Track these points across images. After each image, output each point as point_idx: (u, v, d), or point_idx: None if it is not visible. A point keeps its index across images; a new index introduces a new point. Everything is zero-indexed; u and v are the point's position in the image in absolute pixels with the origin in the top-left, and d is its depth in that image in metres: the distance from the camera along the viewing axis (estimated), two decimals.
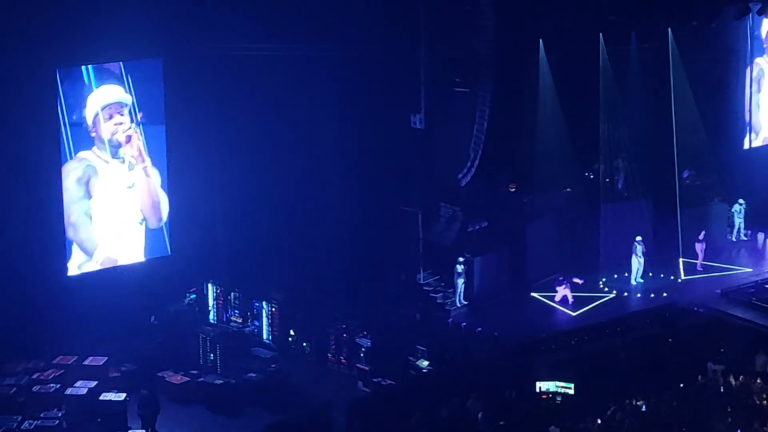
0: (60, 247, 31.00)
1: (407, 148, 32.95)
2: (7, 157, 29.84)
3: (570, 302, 32.61)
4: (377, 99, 32.55)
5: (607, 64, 34.22)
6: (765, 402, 26.94)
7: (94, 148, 31.34)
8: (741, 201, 37.16)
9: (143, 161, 32.09)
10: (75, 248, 31.29)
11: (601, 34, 34.01)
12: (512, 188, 34.05)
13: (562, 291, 32.77)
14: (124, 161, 31.80)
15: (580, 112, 34.14)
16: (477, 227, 33.40)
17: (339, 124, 32.79)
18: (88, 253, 31.47)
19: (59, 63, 30.15)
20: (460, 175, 33.20)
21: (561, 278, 32.92)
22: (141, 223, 32.36)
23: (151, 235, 32.65)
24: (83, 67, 30.79)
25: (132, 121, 31.76)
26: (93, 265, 31.57)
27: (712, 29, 35.64)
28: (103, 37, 29.90)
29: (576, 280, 33.23)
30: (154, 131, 32.28)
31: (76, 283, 31.17)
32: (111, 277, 31.70)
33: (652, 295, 33.09)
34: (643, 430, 25.98)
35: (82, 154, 31.11)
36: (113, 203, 31.74)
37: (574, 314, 32.20)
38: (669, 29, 35.29)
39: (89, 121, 31.09)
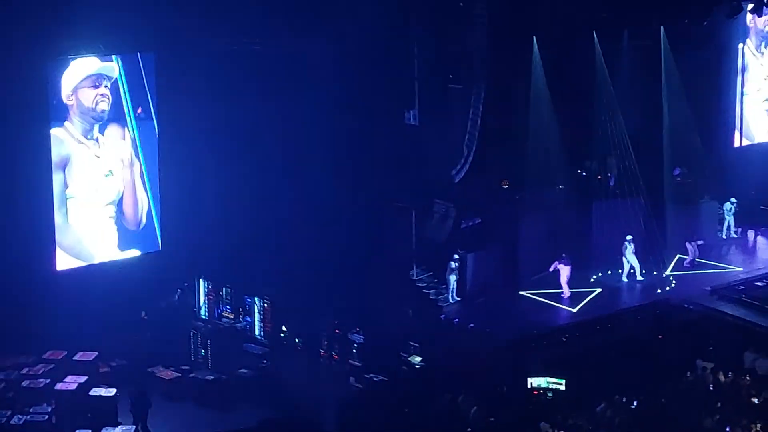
0: (50, 241, 30.90)
1: (401, 144, 32.95)
2: None
3: (567, 296, 32.59)
4: (371, 95, 32.52)
5: (600, 62, 34.25)
6: (754, 399, 27.03)
7: (67, 123, 30.64)
8: (733, 200, 37.24)
9: (130, 160, 31.83)
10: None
11: (594, 31, 34.05)
12: (505, 185, 34.06)
13: (563, 269, 32.72)
14: (98, 142, 31.26)
15: (573, 109, 34.16)
16: (470, 224, 33.41)
17: (332, 120, 32.76)
18: (65, 249, 31.22)
19: (51, 56, 30.05)
20: (454, 172, 33.22)
21: (564, 255, 32.88)
22: (112, 218, 31.95)
23: (142, 230, 32.57)
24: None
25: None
26: (73, 262, 31.44)
27: (704, 27, 35.70)
28: (94, 30, 29.84)
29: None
30: (146, 126, 32.23)
31: (66, 277, 31.08)
32: (102, 271, 31.62)
33: (642, 292, 33.19)
34: (633, 426, 26.04)
35: (54, 131, 30.46)
36: (88, 192, 31.28)
37: (574, 310, 32.19)
38: (661, 27, 35.36)
39: (68, 89, 30.41)
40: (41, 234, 30.70)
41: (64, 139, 30.70)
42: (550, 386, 27.74)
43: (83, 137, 31.04)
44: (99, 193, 31.57)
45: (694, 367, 28.74)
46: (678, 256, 34.97)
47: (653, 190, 35.55)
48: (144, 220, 32.47)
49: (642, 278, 34.13)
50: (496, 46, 32.05)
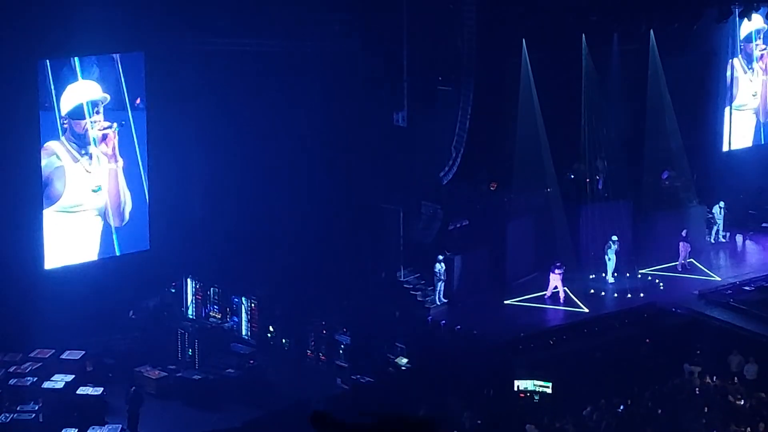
0: (38, 240, 30.85)
1: (389, 145, 32.96)
2: None
3: (562, 299, 32.62)
4: (360, 96, 32.54)
5: (589, 65, 34.27)
6: (740, 402, 27.09)
7: (63, 139, 30.88)
8: (721, 204, 37.29)
9: (116, 161, 31.84)
10: None
11: (583, 34, 34.07)
12: (493, 187, 34.05)
13: (555, 280, 32.74)
14: (91, 158, 31.38)
15: (562, 112, 34.18)
16: (458, 225, 33.42)
17: (321, 121, 32.77)
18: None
19: (41, 55, 30.02)
20: (442, 174, 33.22)
21: (558, 264, 32.90)
22: (98, 216, 31.92)
23: (131, 229, 32.55)
24: (75, 58, 30.66)
25: (107, 119, 31.53)
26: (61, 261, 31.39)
27: (693, 31, 35.77)
28: (84, 29, 29.79)
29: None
30: (136, 125, 32.21)
31: (54, 276, 31.03)
32: (89, 271, 31.58)
33: (629, 296, 33.22)
34: (619, 430, 26.09)
35: (50, 144, 30.65)
36: (75, 206, 31.36)
37: (586, 310, 32.21)
38: (651, 31, 35.41)
39: (64, 110, 30.68)
40: (29, 233, 30.65)
41: (60, 154, 30.89)
42: (537, 389, 27.78)
43: (77, 154, 31.19)
44: (87, 205, 31.68)
45: (682, 371, 28.81)
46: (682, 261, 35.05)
47: (641, 194, 35.61)
48: (127, 216, 32.44)
49: (613, 280, 34.10)
50: (485, 48, 32.06)
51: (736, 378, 28.50)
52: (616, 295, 33.50)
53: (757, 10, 36.09)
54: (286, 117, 32.70)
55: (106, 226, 32.02)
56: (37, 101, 30.21)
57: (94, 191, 31.65)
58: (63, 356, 29.87)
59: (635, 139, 35.81)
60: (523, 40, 33.13)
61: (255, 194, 32.96)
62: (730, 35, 38.66)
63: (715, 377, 28.27)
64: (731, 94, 39.17)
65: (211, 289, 33.40)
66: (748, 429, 25.75)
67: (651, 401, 27.20)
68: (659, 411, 26.67)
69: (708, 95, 38.89)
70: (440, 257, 32.63)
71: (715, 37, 38.07)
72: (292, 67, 32.34)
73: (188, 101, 32.49)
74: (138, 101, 31.78)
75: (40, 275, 30.84)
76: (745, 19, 37.66)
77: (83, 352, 30.00)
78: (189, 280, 33.50)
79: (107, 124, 31.45)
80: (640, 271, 34.32)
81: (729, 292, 32.79)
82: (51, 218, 30.87)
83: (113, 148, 31.68)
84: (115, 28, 30.29)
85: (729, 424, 25.94)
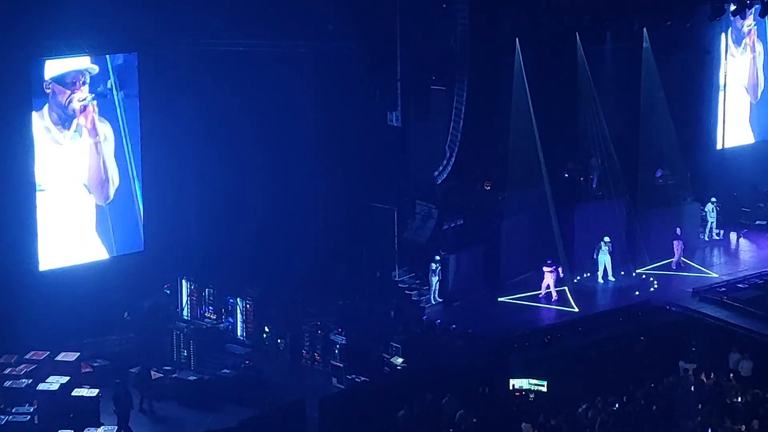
0: (32, 241, 30.84)
1: (383, 145, 33.00)
2: None
3: (554, 297, 32.67)
4: (354, 96, 32.58)
5: (582, 64, 34.30)
6: (736, 400, 27.13)
7: (45, 108, 30.66)
8: (714, 200, 37.38)
9: (96, 135, 31.74)
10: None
11: (576, 33, 34.11)
12: (488, 186, 34.08)
13: (547, 278, 32.78)
14: (69, 130, 31.18)
15: (556, 111, 34.22)
16: (452, 225, 33.45)
17: (315, 121, 32.81)
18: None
19: (33, 56, 29.99)
20: (436, 173, 33.24)
21: (549, 261, 32.94)
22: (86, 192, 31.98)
23: (126, 230, 32.55)
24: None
25: (91, 92, 31.40)
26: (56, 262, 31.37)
27: (687, 29, 35.82)
28: (78, 31, 29.79)
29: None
30: (129, 126, 32.21)
31: (49, 278, 31.04)
32: (84, 272, 31.58)
33: (624, 294, 33.28)
34: (614, 428, 26.10)
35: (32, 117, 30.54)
36: (57, 175, 31.27)
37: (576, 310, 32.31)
38: (644, 29, 35.46)
39: (48, 75, 30.51)
40: (24, 234, 30.64)
41: (36, 127, 30.65)
42: (532, 388, 27.78)
43: (58, 127, 31.05)
44: (70, 181, 31.61)
45: (677, 369, 28.83)
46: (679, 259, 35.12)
47: (635, 192, 35.65)
48: (111, 194, 32.39)
49: (614, 279, 34.19)
50: (478, 47, 32.09)
51: (731, 375, 28.54)
52: (610, 293, 33.58)
53: (749, 9, 36.07)
54: (280, 117, 32.73)
55: (102, 218, 31.96)
56: (30, 101, 30.15)
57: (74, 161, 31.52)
58: (58, 358, 29.83)
59: (629, 137, 35.85)
60: (517, 40, 33.15)
61: (249, 194, 32.99)
62: (722, 33, 38.78)
63: (710, 374, 28.29)
64: (724, 81, 39.25)
65: (206, 289, 33.38)
66: (743, 426, 25.77)
67: (646, 399, 27.22)
68: (654, 408, 26.69)
69: (701, 93, 38.95)
70: (435, 257, 32.66)
71: (708, 35, 38.15)
72: (287, 67, 32.36)
73: (183, 102, 32.52)
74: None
75: (34, 277, 30.82)
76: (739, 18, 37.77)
77: (78, 354, 29.97)
78: (184, 281, 33.49)
79: (87, 95, 31.26)
80: (637, 270, 34.37)
81: (723, 289, 32.83)
82: (40, 201, 30.76)
83: (92, 122, 31.59)
84: (109, 29, 30.28)
85: (724, 420, 25.96)
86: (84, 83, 31.15)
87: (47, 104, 30.74)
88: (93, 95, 31.44)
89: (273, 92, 32.49)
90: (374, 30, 32.21)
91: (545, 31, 33.21)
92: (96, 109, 31.55)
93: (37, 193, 30.77)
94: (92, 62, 31.14)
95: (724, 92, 39.40)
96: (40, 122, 30.70)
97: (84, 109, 31.38)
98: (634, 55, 35.76)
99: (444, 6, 32.22)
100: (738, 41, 39.77)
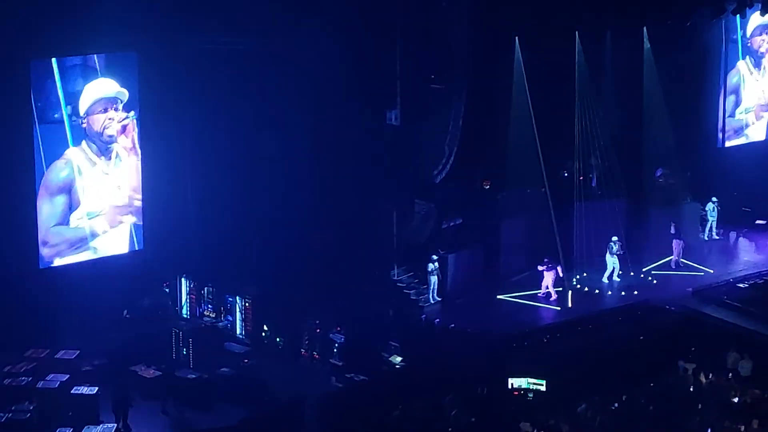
0: (32, 239, 30.80)
1: (382, 144, 32.99)
2: None
3: (553, 297, 32.64)
4: (353, 95, 32.53)
5: (582, 63, 34.31)
6: (735, 400, 27.13)
7: (83, 144, 30.84)
8: (714, 199, 37.37)
9: (137, 154, 31.83)
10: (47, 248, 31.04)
11: (576, 32, 34.11)
12: (487, 185, 34.12)
13: (546, 277, 32.76)
14: (110, 159, 31.38)
15: (555, 110, 34.21)
16: (451, 224, 33.47)
17: (314, 120, 32.77)
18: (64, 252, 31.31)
19: (32, 55, 29.93)
20: (435, 172, 33.26)
21: (546, 260, 32.91)
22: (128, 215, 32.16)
23: (125, 229, 32.51)
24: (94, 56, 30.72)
25: (127, 114, 31.54)
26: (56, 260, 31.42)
27: (687, 28, 35.82)
28: (77, 29, 29.76)
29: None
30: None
31: (49, 276, 31.00)
32: (84, 270, 31.56)
33: (623, 293, 33.29)
34: (613, 427, 26.11)
35: (69, 153, 30.63)
36: (97, 206, 31.46)
37: (558, 308, 32.26)
38: (644, 28, 35.46)
39: (82, 110, 30.69)
40: (24, 231, 30.60)
41: (78, 161, 30.78)
42: (531, 387, 27.82)
43: (97, 157, 31.21)
44: (109, 208, 31.83)
45: (676, 369, 28.84)
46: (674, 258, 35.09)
47: (635, 191, 35.65)
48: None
49: (619, 279, 34.21)
50: (477, 46, 32.12)
51: (730, 375, 28.54)
52: (609, 293, 33.59)
53: (750, 8, 36.06)
54: (279, 116, 32.69)
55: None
56: (30, 99, 30.09)
57: (117, 188, 31.73)
58: (57, 356, 29.82)
59: (629, 136, 35.87)
60: (516, 38, 33.17)
61: (248, 193, 32.97)
62: (722, 33, 38.71)
63: (710, 374, 28.29)
64: (738, 98, 39.22)
65: (205, 288, 33.38)
66: (743, 426, 25.78)
67: (645, 398, 27.24)
68: (653, 408, 26.70)
69: (702, 92, 38.94)
70: (434, 256, 32.66)
71: (708, 34, 38.13)
72: (285, 65, 32.31)
73: (182, 101, 32.45)
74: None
75: (34, 274, 30.80)
76: (751, 16, 37.63)
77: (78, 352, 29.96)
78: (183, 280, 33.49)
79: (125, 114, 31.39)
80: (643, 270, 34.33)
81: (723, 289, 32.87)
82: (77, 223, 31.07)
83: (132, 140, 31.73)
84: (107, 28, 30.26)
85: (723, 420, 25.97)
86: (116, 109, 31.24)
87: (84, 139, 30.86)
88: (133, 112, 31.58)
89: (272, 91, 32.46)
90: (373, 29, 32.19)
91: (545, 29, 33.20)
92: (136, 126, 31.73)
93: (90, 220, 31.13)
94: (121, 86, 31.32)
95: (725, 94, 39.29)
96: (81, 155, 30.83)
97: (124, 129, 31.46)
98: (634, 54, 35.77)
99: (443, 4, 32.23)
100: (758, 65, 39.65)
